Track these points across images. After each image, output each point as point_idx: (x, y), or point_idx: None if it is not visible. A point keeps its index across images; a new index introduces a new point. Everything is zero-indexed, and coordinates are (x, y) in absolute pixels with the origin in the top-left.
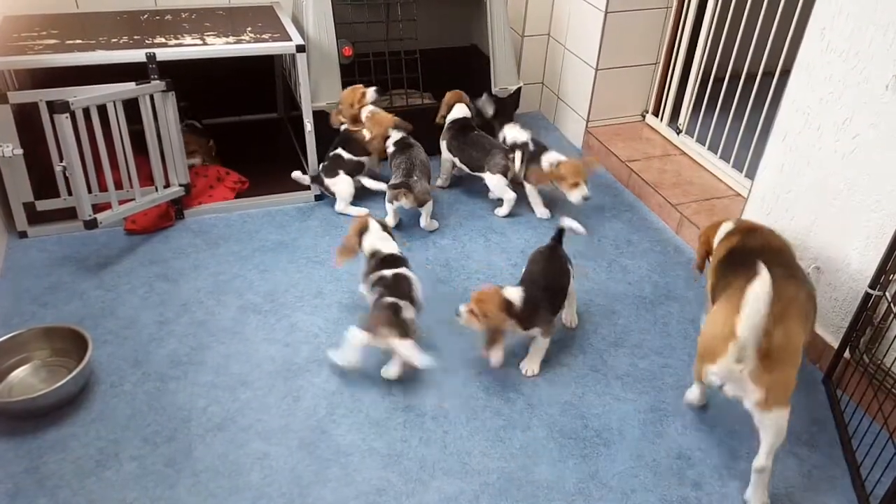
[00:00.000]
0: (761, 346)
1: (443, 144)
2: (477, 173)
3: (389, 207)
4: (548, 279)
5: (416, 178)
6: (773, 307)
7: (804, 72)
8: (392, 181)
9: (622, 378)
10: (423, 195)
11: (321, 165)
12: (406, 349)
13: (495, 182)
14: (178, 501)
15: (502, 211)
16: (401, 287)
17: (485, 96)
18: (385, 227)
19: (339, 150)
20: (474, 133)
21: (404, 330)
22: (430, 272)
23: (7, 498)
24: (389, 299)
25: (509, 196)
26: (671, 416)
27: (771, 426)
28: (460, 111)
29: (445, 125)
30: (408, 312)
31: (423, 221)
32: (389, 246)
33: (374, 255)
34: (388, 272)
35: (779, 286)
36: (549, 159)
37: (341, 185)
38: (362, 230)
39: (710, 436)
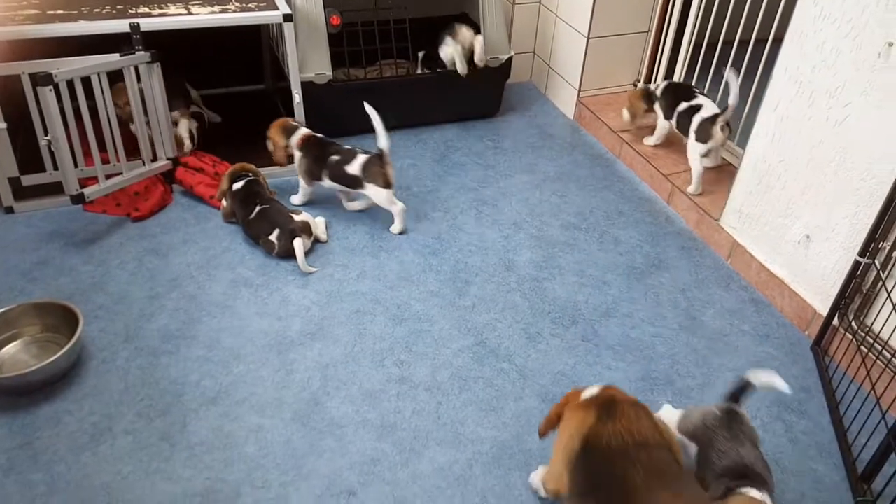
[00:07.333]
0: None
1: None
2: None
3: None
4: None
5: None
6: None
7: (797, 39)
8: None
9: (613, 348)
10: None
11: None
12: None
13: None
14: (174, 475)
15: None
16: None
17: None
18: None
19: None
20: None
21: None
22: (423, 245)
23: (1, 473)
24: None
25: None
26: (662, 385)
27: None
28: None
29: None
30: None
31: None
32: None
33: None
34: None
35: None
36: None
37: None
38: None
39: (701, 403)
